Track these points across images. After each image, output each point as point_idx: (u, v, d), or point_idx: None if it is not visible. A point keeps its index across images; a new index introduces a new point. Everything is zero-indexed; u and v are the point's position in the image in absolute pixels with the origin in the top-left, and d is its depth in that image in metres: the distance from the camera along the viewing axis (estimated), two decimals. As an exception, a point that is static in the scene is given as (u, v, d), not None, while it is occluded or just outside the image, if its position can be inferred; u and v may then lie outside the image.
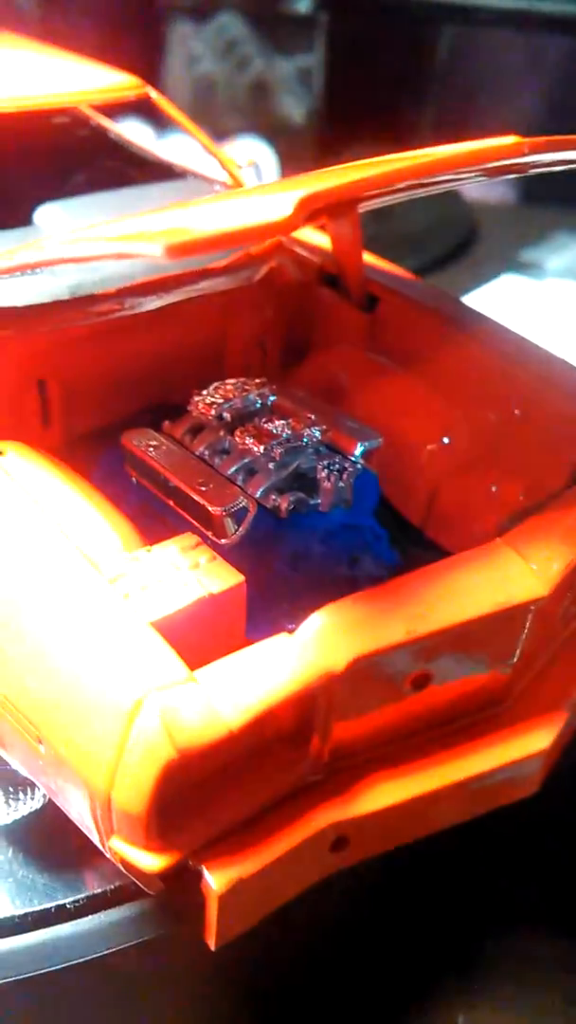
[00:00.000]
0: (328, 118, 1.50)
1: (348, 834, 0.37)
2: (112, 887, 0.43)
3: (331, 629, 0.35)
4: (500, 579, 0.38)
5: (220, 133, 1.42)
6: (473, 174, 0.38)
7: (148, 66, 1.50)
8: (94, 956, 0.42)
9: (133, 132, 0.71)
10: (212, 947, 0.35)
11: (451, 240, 1.43)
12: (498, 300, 1.29)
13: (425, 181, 0.35)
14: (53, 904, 0.43)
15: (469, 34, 1.56)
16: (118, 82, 0.60)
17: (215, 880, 0.33)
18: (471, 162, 0.33)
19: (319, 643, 0.35)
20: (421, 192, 0.38)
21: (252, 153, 1.33)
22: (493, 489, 0.51)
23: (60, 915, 0.43)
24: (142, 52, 1.51)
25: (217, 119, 1.50)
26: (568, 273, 1.36)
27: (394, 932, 0.57)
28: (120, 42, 1.57)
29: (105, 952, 0.42)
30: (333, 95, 1.48)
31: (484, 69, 1.59)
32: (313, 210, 0.28)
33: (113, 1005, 0.45)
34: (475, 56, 1.58)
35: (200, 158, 0.65)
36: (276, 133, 1.47)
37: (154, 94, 0.61)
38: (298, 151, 1.50)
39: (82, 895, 0.43)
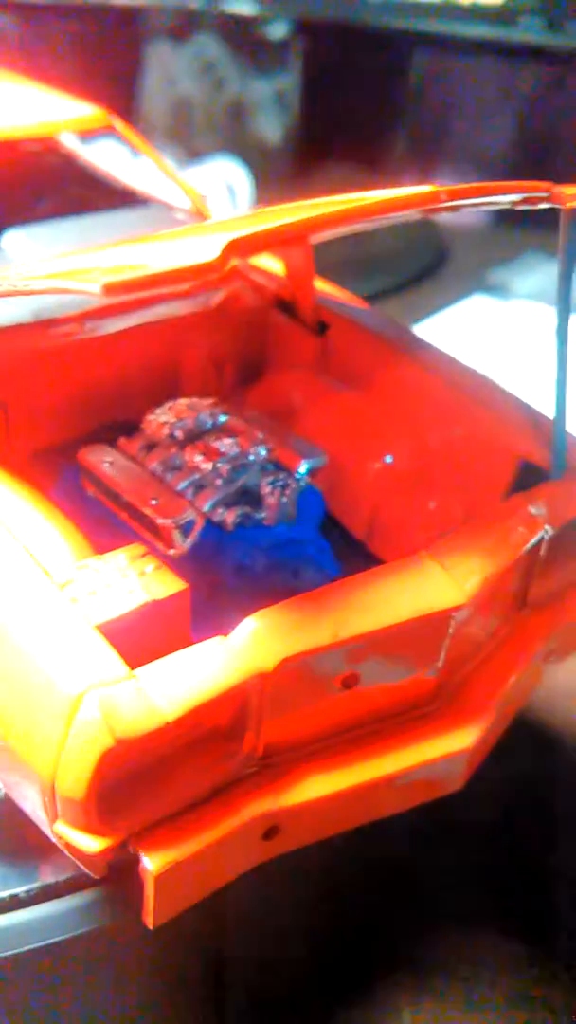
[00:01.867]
0: (303, 139, 1.53)
1: (279, 823, 0.40)
2: (64, 878, 0.46)
3: (262, 632, 0.38)
4: (422, 588, 0.41)
5: (197, 153, 1.45)
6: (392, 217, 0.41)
7: (126, 86, 1.53)
8: (47, 942, 0.44)
9: (107, 153, 0.74)
10: (150, 926, 0.38)
11: (422, 261, 1.46)
12: (466, 320, 1.33)
13: (348, 227, 0.38)
14: (7, 893, 0.45)
15: (443, 60, 1.59)
16: (83, 114, 0.63)
17: (152, 862, 0.36)
18: (392, 209, 0.36)
19: (251, 645, 0.38)
20: (344, 232, 0.41)
21: (227, 173, 1.36)
22: (431, 506, 0.54)
23: (14, 903, 0.45)
24: (121, 72, 1.54)
25: (194, 139, 1.53)
26: (535, 295, 1.40)
27: (345, 927, 0.60)
28: (99, 62, 1.61)
29: (58, 939, 0.44)
30: (308, 117, 1.52)
31: (457, 94, 1.63)
32: (241, 252, 0.32)
33: (66, 990, 0.48)
34: (449, 81, 1.62)
35: (164, 183, 0.68)
36: (252, 153, 1.50)
37: (119, 125, 0.64)
38: (274, 171, 1.53)
39: (35, 884, 0.46)
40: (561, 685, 0.74)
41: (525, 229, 1.59)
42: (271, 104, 1.52)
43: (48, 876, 0.46)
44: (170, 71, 1.53)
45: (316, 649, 0.38)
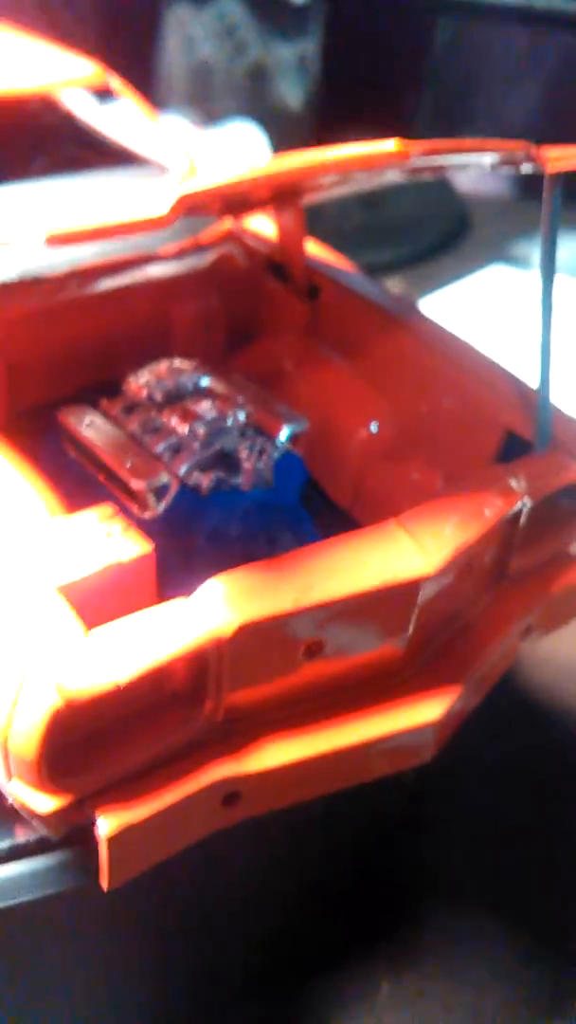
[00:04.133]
0: (324, 104, 1.52)
1: (239, 790, 0.40)
2: (36, 838, 0.46)
3: (222, 596, 0.38)
4: (387, 557, 0.41)
5: (216, 116, 1.44)
6: (363, 176, 0.40)
7: (147, 49, 1.52)
8: (19, 901, 0.45)
9: (122, 113, 0.73)
10: (105, 889, 0.38)
11: (442, 229, 1.45)
12: (485, 289, 1.32)
13: (313, 181, 0.37)
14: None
15: (467, 25, 1.57)
16: (80, 73, 0.62)
17: (106, 824, 0.36)
18: (356, 165, 0.35)
19: (210, 609, 0.37)
20: (321, 195, 0.40)
21: (245, 136, 1.35)
22: (415, 476, 0.53)
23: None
24: (142, 35, 1.52)
25: (214, 102, 1.52)
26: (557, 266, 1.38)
27: (324, 898, 0.60)
28: (121, 26, 1.60)
29: (28, 898, 0.45)
30: (329, 82, 1.50)
31: (482, 60, 1.61)
32: (190, 207, 0.31)
33: (37, 949, 0.48)
34: (472, 48, 1.60)
35: (161, 144, 0.67)
36: (272, 118, 1.49)
37: (116, 84, 0.64)
38: (294, 136, 1.52)
39: (5, 844, 0.46)
40: (564, 662, 0.74)
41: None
42: (292, 69, 1.51)
43: (21, 836, 0.46)
44: (191, 34, 1.51)
45: (277, 615, 0.38)
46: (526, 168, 0.43)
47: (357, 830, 0.59)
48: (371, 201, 1.42)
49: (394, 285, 1.28)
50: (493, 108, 1.63)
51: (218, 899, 0.51)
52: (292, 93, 1.51)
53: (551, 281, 0.47)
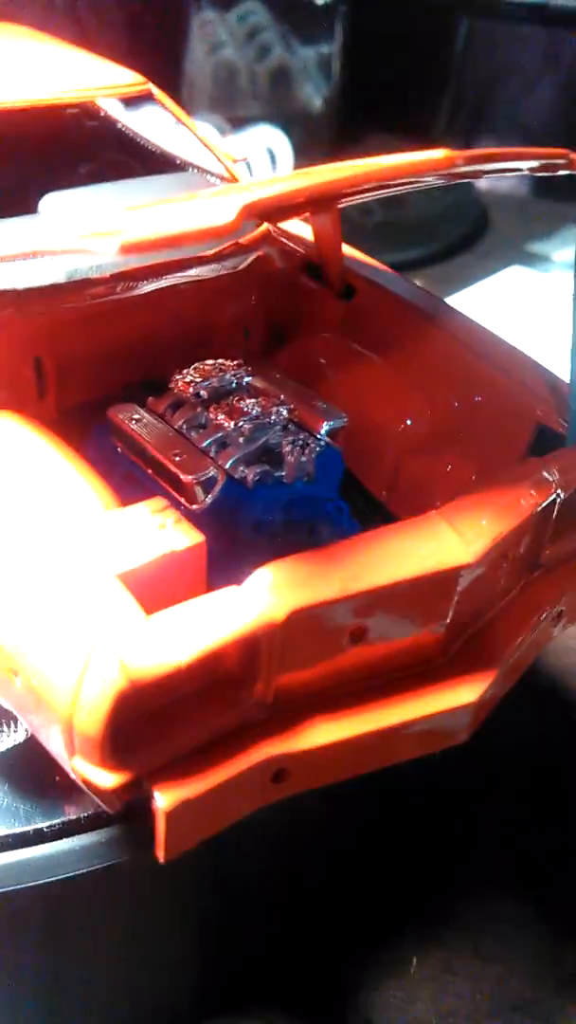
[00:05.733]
0: (347, 106, 1.53)
1: (287, 767, 0.42)
2: (86, 814, 0.48)
3: (273, 584, 0.40)
4: (430, 546, 0.43)
5: (240, 119, 1.46)
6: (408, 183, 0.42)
7: (173, 52, 1.54)
8: (70, 874, 0.47)
9: (149, 119, 0.75)
10: (161, 860, 0.40)
11: (461, 230, 1.47)
12: (504, 291, 1.33)
13: (363, 188, 0.39)
14: (32, 827, 0.48)
15: (487, 27, 1.59)
16: (124, 80, 0.64)
17: (163, 799, 0.38)
18: (409, 173, 0.38)
19: (262, 596, 0.39)
20: (365, 197, 0.42)
21: (269, 140, 1.37)
22: (449, 469, 0.55)
23: (38, 837, 0.48)
24: (167, 39, 1.54)
25: (238, 105, 1.54)
26: (572, 266, 1.39)
27: (356, 874, 0.62)
28: (147, 29, 1.62)
29: (80, 871, 0.47)
30: (352, 84, 1.52)
31: (502, 61, 1.63)
32: (256, 215, 0.33)
33: (89, 920, 0.50)
34: (493, 48, 1.62)
35: (199, 150, 0.69)
36: (295, 120, 1.51)
37: (156, 91, 0.66)
38: (317, 138, 1.54)
39: (59, 820, 0.48)
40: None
41: (568, 201, 1.60)
42: (315, 70, 1.53)
43: (71, 813, 0.48)
44: (215, 37, 1.53)
45: (325, 601, 0.40)
46: (562, 172, 0.45)
47: (389, 808, 0.61)
48: (393, 200, 1.44)
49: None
50: (512, 107, 1.64)
51: (260, 873, 0.53)
52: (314, 94, 1.53)
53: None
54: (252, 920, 0.56)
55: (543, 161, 0.43)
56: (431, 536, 0.43)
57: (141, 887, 0.48)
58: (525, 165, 0.44)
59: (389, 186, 0.43)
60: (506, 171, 0.45)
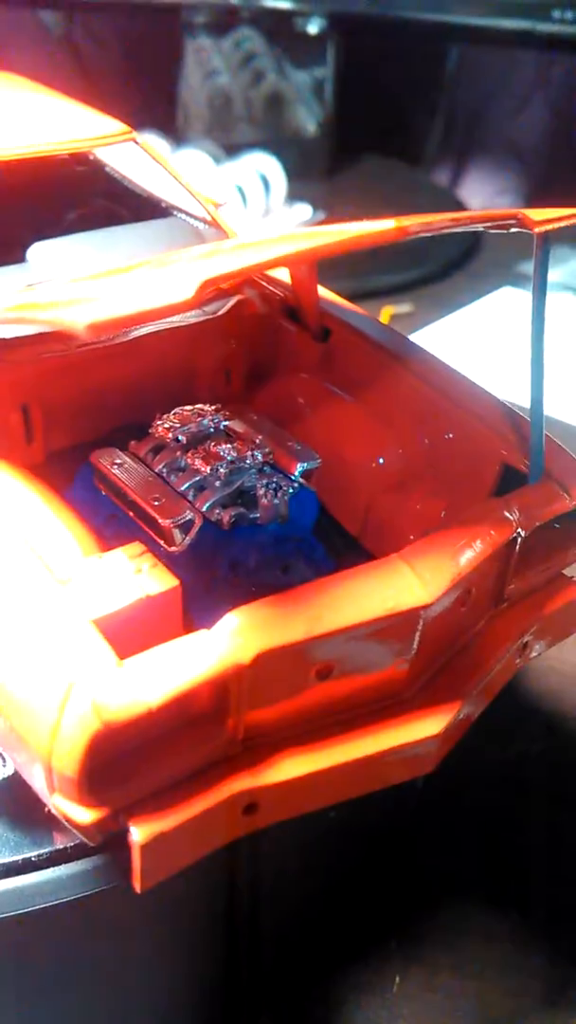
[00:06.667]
0: (340, 130, 1.56)
1: (258, 800, 0.44)
2: (73, 844, 0.50)
3: (241, 628, 0.42)
4: (390, 588, 0.45)
5: (235, 144, 1.49)
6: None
7: (168, 80, 1.56)
8: (58, 901, 0.49)
9: (133, 160, 0.77)
10: (137, 890, 0.42)
11: (453, 250, 1.49)
12: (495, 312, 1.35)
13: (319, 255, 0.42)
14: (21, 856, 0.50)
15: (477, 51, 1.62)
16: (107, 130, 0.67)
17: (138, 832, 0.41)
18: (363, 244, 0.40)
19: (230, 639, 0.42)
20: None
21: (262, 166, 1.40)
22: (419, 507, 0.58)
23: (27, 866, 0.50)
24: (163, 66, 1.57)
25: (233, 131, 1.56)
26: (566, 286, 1.42)
27: (337, 896, 0.64)
28: (142, 57, 1.65)
29: (67, 898, 0.49)
30: (345, 108, 1.54)
31: (492, 84, 1.65)
32: (214, 286, 0.36)
33: (75, 946, 0.52)
34: (483, 71, 1.64)
35: (182, 194, 0.72)
36: (290, 144, 1.53)
37: (140, 139, 0.68)
38: (310, 161, 1.56)
39: (47, 849, 0.50)
40: (569, 669, 0.78)
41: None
42: (309, 96, 1.55)
43: (60, 843, 0.51)
44: (210, 64, 1.56)
45: (290, 644, 0.42)
46: (514, 230, 0.47)
47: (370, 832, 0.63)
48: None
49: (407, 308, 1.32)
50: (503, 129, 1.67)
51: (240, 900, 0.55)
52: (309, 119, 1.56)
53: (542, 330, 0.51)
54: (238, 943, 0.58)
55: (495, 222, 0.45)
56: (392, 578, 0.46)
57: (125, 914, 0.51)
58: (478, 226, 0.47)
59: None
60: (459, 229, 0.47)
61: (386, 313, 1.28)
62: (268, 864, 0.54)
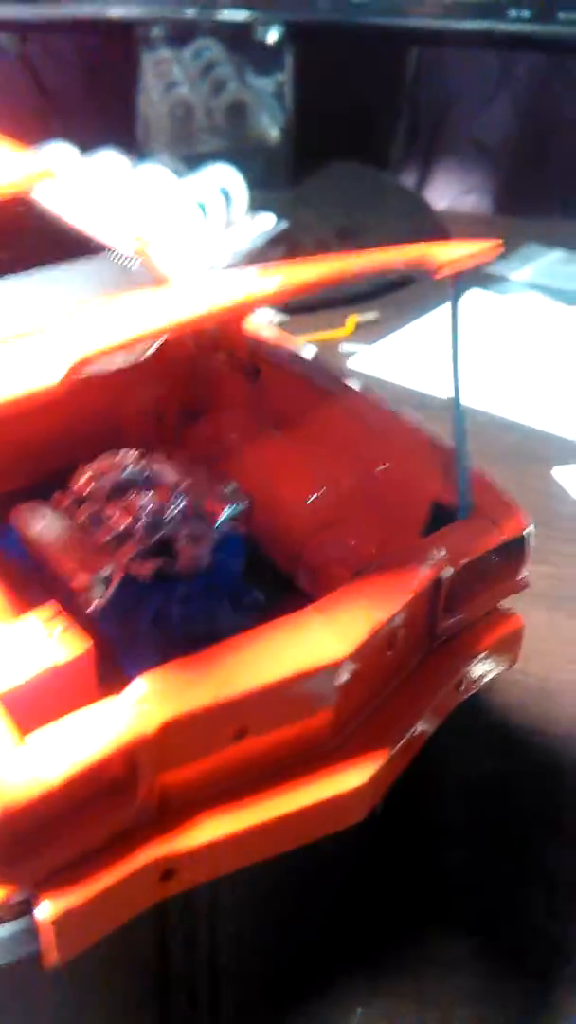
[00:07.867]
0: (303, 136, 1.55)
1: (175, 866, 0.44)
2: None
3: (146, 696, 0.42)
4: (304, 644, 0.44)
5: (197, 155, 1.48)
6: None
7: (128, 93, 1.55)
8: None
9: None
10: (50, 964, 0.42)
11: (421, 254, 1.47)
12: (462, 315, 1.34)
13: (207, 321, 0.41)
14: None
15: (437, 53, 1.61)
16: (30, 172, 0.66)
17: (47, 909, 0.40)
18: (252, 307, 0.39)
19: (135, 708, 0.41)
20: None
21: (223, 179, 1.39)
22: (351, 544, 0.57)
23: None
24: (122, 80, 1.56)
25: (194, 142, 1.55)
26: (532, 286, 1.41)
27: (295, 931, 0.63)
28: (101, 72, 1.64)
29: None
30: (307, 114, 1.53)
31: (455, 82, 1.64)
32: (88, 366, 0.35)
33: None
34: (445, 73, 1.63)
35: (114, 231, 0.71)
36: (254, 153, 1.52)
37: (56, 176, 0.67)
38: (275, 169, 1.55)
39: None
40: (533, 684, 0.78)
41: (527, 216, 1.61)
42: (271, 103, 1.54)
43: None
44: (170, 75, 1.55)
45: (198, 710, 0.42)
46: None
47: (318, 866, 0.62)
48: (348, 232, 1.45)
49: (372, 316, 1.32)
50: (468, 129, 1.66)
51: (173, 955, 0.55)
52: (271, 127, 1.55)
53: (457, 369, 0.51)
54: (187, 987, 0.58)
55: (400, 272, 0.45)
56: (305, 633, 0.45)
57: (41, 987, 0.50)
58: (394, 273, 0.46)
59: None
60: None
61: (351, 322, 1.27)
62: (204, 912, 0.54)
